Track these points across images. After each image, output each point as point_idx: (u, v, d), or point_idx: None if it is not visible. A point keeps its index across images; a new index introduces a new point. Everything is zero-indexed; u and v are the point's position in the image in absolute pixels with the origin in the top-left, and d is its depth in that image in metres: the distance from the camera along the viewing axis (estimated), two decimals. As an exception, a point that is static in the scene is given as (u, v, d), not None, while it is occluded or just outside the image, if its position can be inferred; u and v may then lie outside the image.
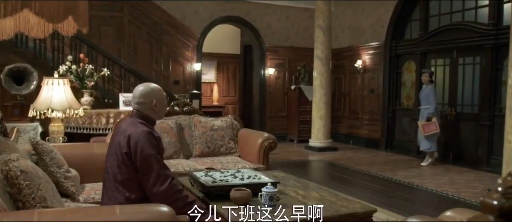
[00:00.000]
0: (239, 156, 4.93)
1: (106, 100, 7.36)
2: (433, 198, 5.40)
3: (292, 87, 10.33)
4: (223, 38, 11.71)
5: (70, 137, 6.20)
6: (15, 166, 1.87)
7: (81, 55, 6.73)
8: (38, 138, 5.58)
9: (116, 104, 6.89)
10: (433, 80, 7.27)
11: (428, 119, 6.93)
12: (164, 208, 1.81)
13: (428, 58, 8.29)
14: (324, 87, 8.82)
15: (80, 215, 1.61)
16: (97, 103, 6.86)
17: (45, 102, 3.81)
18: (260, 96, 10.58)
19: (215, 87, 12.06)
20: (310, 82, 9.60)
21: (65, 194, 2.92)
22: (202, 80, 11.34)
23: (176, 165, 4.29)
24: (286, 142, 9.96)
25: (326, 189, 3.49)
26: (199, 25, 9.60)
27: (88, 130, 6.37)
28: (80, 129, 6.36)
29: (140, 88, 2.57)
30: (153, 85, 2.62)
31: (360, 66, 9.68)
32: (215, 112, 9.83)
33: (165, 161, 4.36)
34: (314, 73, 8.98)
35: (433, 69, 8.20)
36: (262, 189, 2.67)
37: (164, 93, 2.65)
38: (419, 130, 7.17)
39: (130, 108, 6.37)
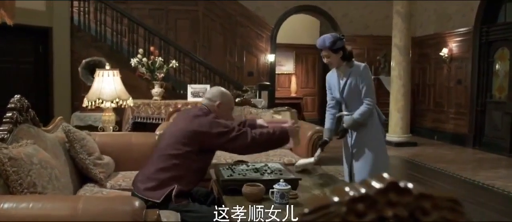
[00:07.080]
0: (291, 149, 4.76)
1: (177, 91, 7.60)
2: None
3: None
4: (301, 29, 11.49)
5: (143, 126, 6.52)
6: (4, 153, 1.95)
7: (151, 48, 7.00)
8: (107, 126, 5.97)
9: (187, 95, 7.07)
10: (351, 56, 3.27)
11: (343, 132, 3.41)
12: (135, 202, 1.75)
13: (525, 45, 7.30)
14: (403, 78, 8.22)
15: (42, 203, 1.62)
16: (169, 94, 7.10)
17: (96, 93, 4.00)
18: (337, 87, 10.18)
19: (293, 79, 11.89)
20: (390, 73, 9.01)
21: (94, 180, 3.03)
22: (280, 72, 11.27)
23: (219, 156, 4.25)
24: (364, 136, 9.47)
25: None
26: (273, 16, 9.49)
27: (157, 120, 6.62)
28: (149, 119, 6.64)
29: (213, 90, 2.98)
30: (224, 90, 2.97)
31: (446, 55, 8.84)
32: (293, 104, 9.63)
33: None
34: (392, 63, 8.41)
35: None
36: (273, 186, 2.51)
37: (232, 102, 3.01)
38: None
39: (197, 99, 6.52)
